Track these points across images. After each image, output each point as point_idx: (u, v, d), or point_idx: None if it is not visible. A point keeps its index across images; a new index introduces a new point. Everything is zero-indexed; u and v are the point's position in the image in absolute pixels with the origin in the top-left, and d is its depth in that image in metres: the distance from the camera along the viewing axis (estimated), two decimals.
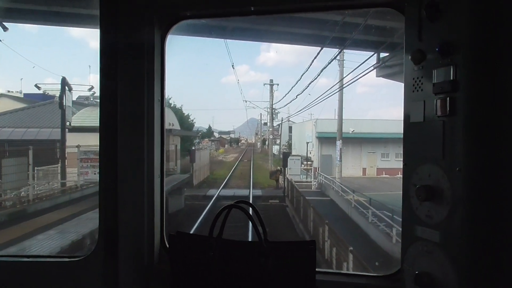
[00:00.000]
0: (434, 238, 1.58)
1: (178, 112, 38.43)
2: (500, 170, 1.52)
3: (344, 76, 27.89)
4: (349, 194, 23.58)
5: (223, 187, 29.89)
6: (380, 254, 14.22)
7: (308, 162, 37.40)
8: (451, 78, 1.52)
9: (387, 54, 14.44)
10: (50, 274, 2.17)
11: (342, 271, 2.64)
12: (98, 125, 2.11)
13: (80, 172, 21.44)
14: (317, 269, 1.75)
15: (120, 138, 2.05)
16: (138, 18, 2.03)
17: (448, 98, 1.53)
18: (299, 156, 36.14)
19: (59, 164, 20.71)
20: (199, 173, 32.61)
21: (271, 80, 43.83)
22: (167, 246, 2.16)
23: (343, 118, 31.88)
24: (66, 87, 19.52)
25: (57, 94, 20.40)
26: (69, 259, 2.21)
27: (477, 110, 1.52)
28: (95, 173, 21.65)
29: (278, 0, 2.05)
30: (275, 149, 54.15)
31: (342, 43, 15.32)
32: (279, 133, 60.10)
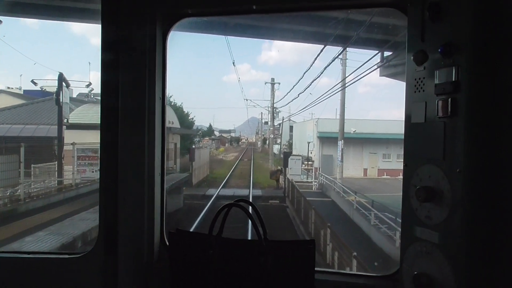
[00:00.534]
0: (434, 239, 1.59)
1: (178, 110, 38.29)
2: (500, 172, 1.52)
3: (346, 75, 27.54)
4: (350, 195, 23.32)
5: (222, 187, 29.78)
6: (385, 260, 13.79)
7: (309, 162, 37.20)
8: (453, 79, 1.52)
9: (391, 53, 14.20)
10: (50, 271, 2.18)
11: (341, 271, 2.92)
12: (99, 122, 2.11)
13: (78, 170, 21.20)
14: (316, 269, 1.76)
15: (121, 135, 2.06)
16: (140, 15, 2.04)
17: (449, 99, 1.53)
18: (300, 156, 35.94)
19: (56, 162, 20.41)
20: (198, 172, 32.52)
21: (272, 79, 43.64)
22: (167, 243, 2.17)
23: (345, 118, 31.55)
24: (64, 83, 19.17)
25: (55, 90, 20.04)
26: (69, 255, 2.22)
27: (478, 112, 1.52)
28: (93, 171, 21.39)
29: None
30: (276, 148, 54.01)
31: (345, 41, 15.09)
32: (280, 132, 59.97)
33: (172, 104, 38.55)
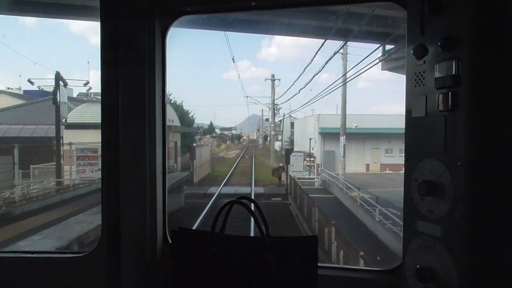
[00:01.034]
0: (436, 232, 1.59)
1: (178, 109, 38.13)
2: (501, 165, 1.53)
3: (348, 70, 27.20)
4: (354, 191, 23.07)
5: (224, 185, 29.71)
6: (391, 257, 13.51)
7: (311, 159, 36.97)
8: (453, 73, 1.51)
9: (393, 46, 13.94)
10: (54, 270, 2.20)
11: (344, 266, 3.08)
12: (97, 121, 2.12)
13: (77, 170, 21.03)
14: (319, 264, 1.77)
15: (122, 134, 2.07)
16: (139, 12, 2.05)
17: (450, 93, 1.53)
18: (302, 152, 35.72)
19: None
20: (199, 170, 32.42)
21: (273, 76, 43.38)
22: (170, 241, 2.18)
23: (346, 113, 31.25)
24: (61, 82, 18.89)
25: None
26: (72, 254, 2.24)
27: (479, 105, 1.51)
28: (92, 171, 21.20)
29: None
30: (277, 145, 53.86)
31: (346, 34, 14.83)
32: (281, 129, 59.74)
33: (172, 102, 38.40)
